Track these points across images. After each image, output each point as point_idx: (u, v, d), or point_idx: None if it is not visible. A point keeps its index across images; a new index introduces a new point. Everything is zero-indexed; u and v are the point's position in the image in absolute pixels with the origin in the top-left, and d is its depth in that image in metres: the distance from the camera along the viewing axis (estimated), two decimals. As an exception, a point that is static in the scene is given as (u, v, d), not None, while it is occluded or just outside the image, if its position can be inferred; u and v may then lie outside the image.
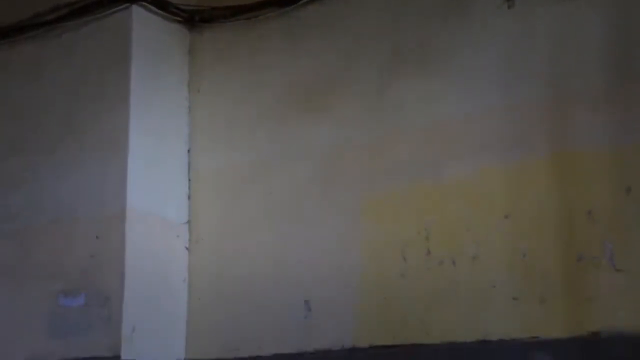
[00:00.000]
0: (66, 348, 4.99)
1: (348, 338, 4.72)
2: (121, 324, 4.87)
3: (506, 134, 4.48)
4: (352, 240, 4.80)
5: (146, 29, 5.35)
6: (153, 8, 5.39)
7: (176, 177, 5.40)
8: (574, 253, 4.16)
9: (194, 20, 5.58)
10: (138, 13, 5.31)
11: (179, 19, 5.55)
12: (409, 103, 4.79)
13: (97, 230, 5.06)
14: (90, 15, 5.41)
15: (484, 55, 4.62)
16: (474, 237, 4.44)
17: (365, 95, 4.94)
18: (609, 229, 4.10)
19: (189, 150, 5.50)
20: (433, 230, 4.57)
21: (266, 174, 5.18)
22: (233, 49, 5.51)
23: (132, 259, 4.96)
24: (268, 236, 5.08)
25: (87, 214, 5.14)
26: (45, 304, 5.11)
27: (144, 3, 5.33)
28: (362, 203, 4.82)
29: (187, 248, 5.34)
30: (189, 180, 5.46)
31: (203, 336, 5.16)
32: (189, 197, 5.41)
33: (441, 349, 4.43)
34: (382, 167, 4.79)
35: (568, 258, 4.18)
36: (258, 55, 5.39)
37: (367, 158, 4.86)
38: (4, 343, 5.22)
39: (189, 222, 5.37)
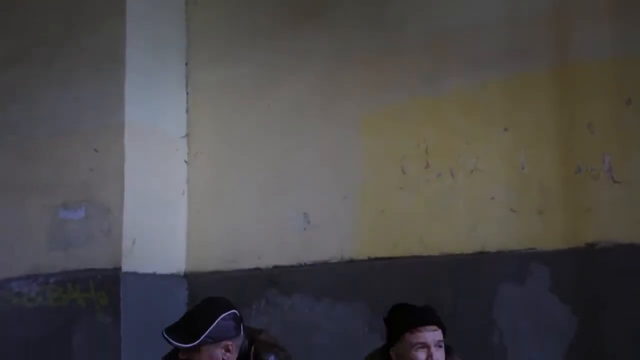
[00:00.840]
0: (67, 260, 5.05)
1: (346, 250, 4.77)
2: (121, 237, 4.91)
3: (506, 47, 4.44)
4: (352, 153, 4.81)
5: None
6: None
7: (174, 91, 5.37)
8: (573, 165, 4.18)
9: None
10: None
11: None
12: (409, 16, 4.75)
13: (96, 144, 5.05)
14: None
15: (486, -34, 4.57)
16: (473, 149, 4.45)
17: (366, 8, 4.89)
18: (608, 141, 4.11)
19: (186, 64, 5.46)
20: (432, 143, 4.58)
21: (265, 87, 5.16)
22: (230, -40, 5.43)
23: (132, 172, 4.98)
24: (267, 149, 5.09)
25: (85, 127, 5.13)
26: (46, 216, 5.15)
27: None
28: (361, 116, 4.81)
29: (185, 161, 5.34)
30: (187, 93, 5.44)
31: (202, 248, 5.21)
32: (187, 111, 5.39)
33: (439, 261, 4.49)
34: (382, 80, 4.77)
35: (567, 170, 4.20)
36: (255, -34, 5.33)
37: (367, 71, 4.83)
38: (5, 255, 5.27)
39: (187, 135, 5.37)
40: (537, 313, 4.21)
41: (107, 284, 4.88)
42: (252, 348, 3.20)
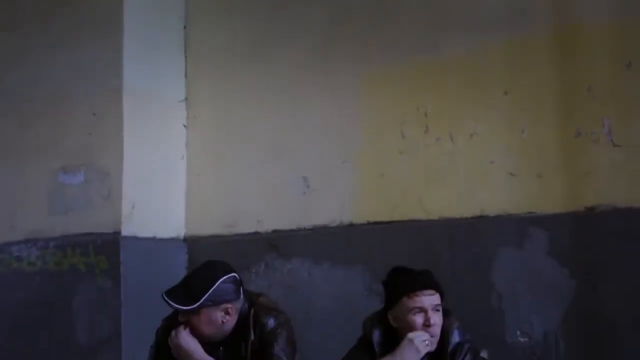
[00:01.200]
0: (67, 224, 5.06)
1: (346, 214, 4.77)
2: (121, 201, 4.91)
3: (507, 10, 4.40)
4: (351, 117, 4.79)
5: None
6: None
7: (172, 55, 5.35)
8: (573, 129, 4.17)
9: None
10: None
11: None
12: (409, -22, 4.72)
13: (94, 108, 5.04)
14: None
15: None
16: (473, 113, 4.44)
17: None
18: (608, 104, 4.09)
19: (185, 27, 5.43)
20: (432, 106, 4.56)
21: (264, 51, 5.13)
22: None
23: (130, 137, 4.97)
24: (266, 113, 5.07)
25: (83, 92, 5.11)
26: (45, 181, 5.15)
27: None
28: (361, 80, 4.79)
29: (184, 126, 5.33)
30: (186, 57, 5.41)
31: (202, 212, 5.22)
32: (185, 75, 5.37)
33: (438, 225, 4.49)
34: (382, 44, 4.74)
35: (566, 134, 4.19)
36: None
37: (366, 35, 4.80)
38: (4, 219, 5.28)
39: (186, 99, 5.35)
40: (535, 276, 4.22)
41: (106, 248, 4.90)
42: (252, 311, 3.23)
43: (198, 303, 3.07)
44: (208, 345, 3.21)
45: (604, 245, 4.08)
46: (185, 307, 3.09)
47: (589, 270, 4.11)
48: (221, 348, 3.21)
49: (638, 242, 3.99)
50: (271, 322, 3.22)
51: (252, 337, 3.20)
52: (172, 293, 3.14)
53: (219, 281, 3.11)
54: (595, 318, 4.09)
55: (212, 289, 3.09)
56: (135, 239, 4.94)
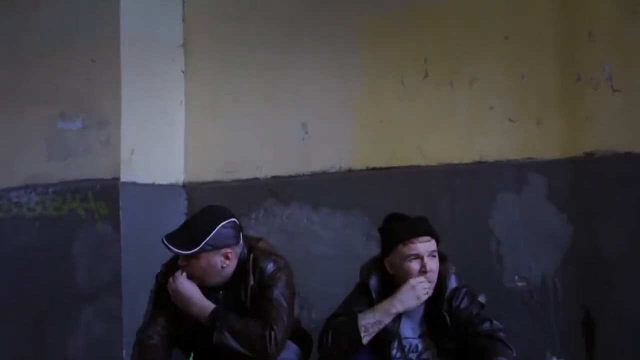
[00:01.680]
0: (66, 170, 5.06)
1: (344, 160, 4.77)
2: (119, 147, 4.91)
3: (508, -46, 4.38)
4: (350, 63, 4.77)
5: None
6: None
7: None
8: (573, 74, 4.15)
9: None
10: None
11: None
12: None
13: (92, 53, 5.01)
14: None
15: None
16: (473, 59, 4.41)
17: None
18: (609, 50, 4.06)
19: (182, -28, 5.38)
20: (431, 52, 4.53)
21: (263, -5, 5.09)
22: None
23: (128, 82, 4.94)
24: (265, 58, 5.03)
25: (81, 38, 5.06)
26: (44, 127, 5.14)
27: None
28: (360, 26, 4.74)
29: (183, 72, 5.30)
30: (183, 2, 5.36)
31: (201, 159, 5.21)
32: (183, 20, 5.32)
33: (437, 171, 4.50)
34: (381, -12, 4.70)
35: (566, 79, 4.17)
36: None
37: (366, -22, 4.76)
38: (3, 165, 5.28)
39: (183, 45, 5.31)
40: (533, 222, 4.24)
41: (106, 194, 4.90)
42: (251, 256, 3.24)
43: (198, 247, 3.08)
44: (208, 289, 3.23)
45: (602, 190, 4.09)
46: (185, 252, 3.10)
47: (587, 216, 4.13)
48: (221, 292, 3.23)
49: (636, 188, 4.00)
50: (270, 267, 3.24)
51: (252, 282, 3.21)
52: (172, 237, 3.14)
53: (219, 226, 3.11)
54: (593, 263, 4.11)
55: (212, 233, 3.09)
56: (134, 185, 4.94)
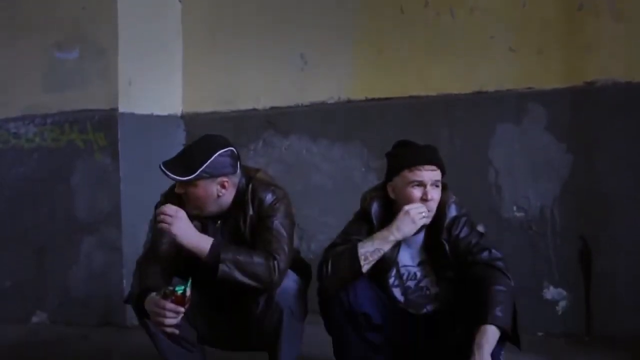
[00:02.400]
0: (63, 101, 5.03)
1: (344, 90, 4.75)
2: (117, 77, 4.87)
3: None
4: (349, -9, 4.72)
5: None
6: None
7: None
8: (575, 2, 4.11)
9: None
10: None
11: None
12: None
13: (89, -18, 4.94)
14: None
15: None
16: (474, -14, 4.37)
17: None
18: (612, -23, 4.03)
19: None
20: (432, -20, 4.49)
21: None
22: None
23: (125, 12, 4.88)
24: (264, -13, 4.99)
25: (77, -36, 5.00)
26: (40, 57, 5.08)
27: None
28: (359, -47, 4.69)
29: (180, 1, 5.23)
30: None
31: (199, 89, 5.18)
32: (179, -54, 5.25)
33: (437, 101, 4.48)
34: None
35: (568, 7, 4.13)
36: None
37: None
38: (0, 96, 5.24)
39: (180, -27, 5.25)
40: (533, 152, 4.24)
41: (104, 125, 4.89)
42: (250, 187, 3.22)
43: (195, 174, 3.06)
44: (206, 219, 3.22)
45: (602, 120, 4.09)
46: (182, 178, 3.07)
47: (586, 146, 4.13)
48: (219, 222, 3.23)
49: (636, 117, 3.99)
50: (269, 197, 3.22)
51: (251, 212, 3.21)
52: (170, 164, 3.12)
53: (216, 154, 3.09)
54: (591, 193, 4.13)
55: (209, 160, 3.07)
56: (132, 115, 4.92)
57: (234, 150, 3.18)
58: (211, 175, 3.10)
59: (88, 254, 4.95)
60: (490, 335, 2.84)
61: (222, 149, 3.13)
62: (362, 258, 3.04)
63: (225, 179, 3.14)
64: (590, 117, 4.11)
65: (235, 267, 3.04)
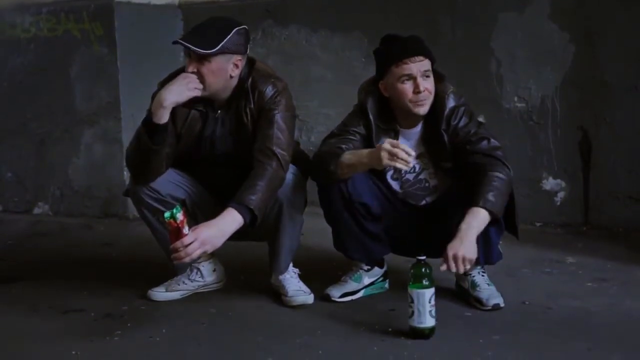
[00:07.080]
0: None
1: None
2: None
3: None
4: None
5: None
6: None
7: None
8: None
9: None
10: None
11: None
12: None
13: None
14: None
15: None
16: None
17: None
18: None
19: None
20: None
21: None
22: None
23: None
24: None
25: None
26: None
27: None
28: None
29: None
30: None
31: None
32: None
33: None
34: None
35: None
36: None
37: None
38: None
39: None
40: (535, 41, 4.19)
41: (101, 15, 4.82)
42: (250, 78, 3.18)
43: (218, 47, 2.98)
44: (206, 107, 3.18)
45: (604, 9, 4.03)
46: (205, 50, 3.00)
47: (588, 35, 4.08)
48: (219, 112, 3.20)
49: (638, 7, 3.93)
50: (270, 90, 3.18)
51: (252, 104, 3.17)
52: (187, 38, 3.05)
53: (234, 30, 3.03)
54: (592, 83, 4.10)
55: (229, 35, 2.99)
56: (129, 4, 4.85)
57: (247, 29, 3.14)
58: (229, 51, 3.04)
59: (88, 145, 4.96)
60: (480, 217, 2.84)
61: (238, 26, 3.08)
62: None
63: (239, 57, 3.08)
64: (593, 6, 4.05)
65: (264, 205, 3.02)
